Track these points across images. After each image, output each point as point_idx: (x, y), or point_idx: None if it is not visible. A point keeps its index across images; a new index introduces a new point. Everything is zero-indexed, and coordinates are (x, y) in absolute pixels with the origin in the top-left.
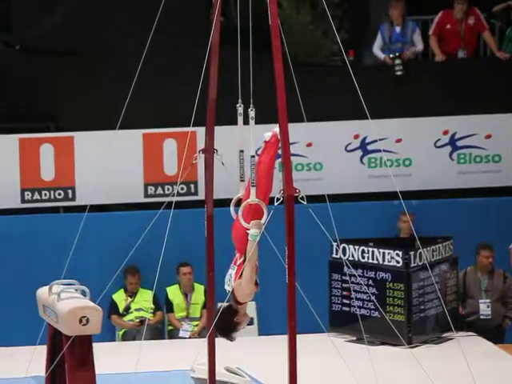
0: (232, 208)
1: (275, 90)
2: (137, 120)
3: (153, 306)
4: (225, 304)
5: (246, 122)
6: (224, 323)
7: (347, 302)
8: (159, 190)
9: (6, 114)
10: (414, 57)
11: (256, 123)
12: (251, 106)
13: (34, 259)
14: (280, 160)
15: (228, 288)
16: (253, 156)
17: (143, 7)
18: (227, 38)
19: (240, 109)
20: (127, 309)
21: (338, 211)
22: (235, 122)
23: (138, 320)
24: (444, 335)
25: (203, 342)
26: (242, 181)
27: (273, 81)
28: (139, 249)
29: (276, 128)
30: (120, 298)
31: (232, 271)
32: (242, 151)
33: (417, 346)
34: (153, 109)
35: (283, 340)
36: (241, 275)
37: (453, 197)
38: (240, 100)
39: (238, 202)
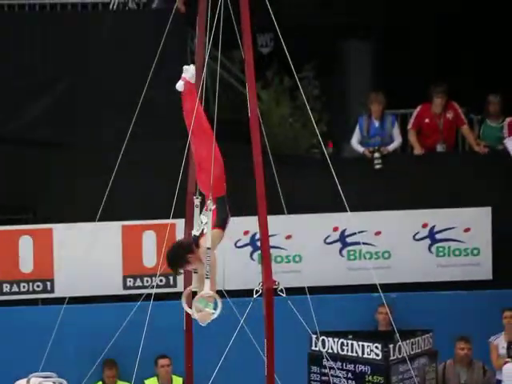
0: (184, 299)
1: (254, 181)
2: (116, 212)
3: None
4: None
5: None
6: (176, 253)
7: None
8: (138, 282)
9: None
10: (393, 151)
11: (237, 215)
12: (197, 195)
13: (13, 352)
14: (259, 252)
15: (196, 233)
16: (209, 248)
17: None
18: None
19: (197, 201)
20: None
21: (318, 303)
22: None
23: None
24: None
25: None
26: (195, 273)
27: (252, 172)
28: (118, 341)
29: (183, 74)
30: None
31: (204, 217)
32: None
33: None
34: (131, 201)
35: None
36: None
37: (432, 289)
38: (197, 192)
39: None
